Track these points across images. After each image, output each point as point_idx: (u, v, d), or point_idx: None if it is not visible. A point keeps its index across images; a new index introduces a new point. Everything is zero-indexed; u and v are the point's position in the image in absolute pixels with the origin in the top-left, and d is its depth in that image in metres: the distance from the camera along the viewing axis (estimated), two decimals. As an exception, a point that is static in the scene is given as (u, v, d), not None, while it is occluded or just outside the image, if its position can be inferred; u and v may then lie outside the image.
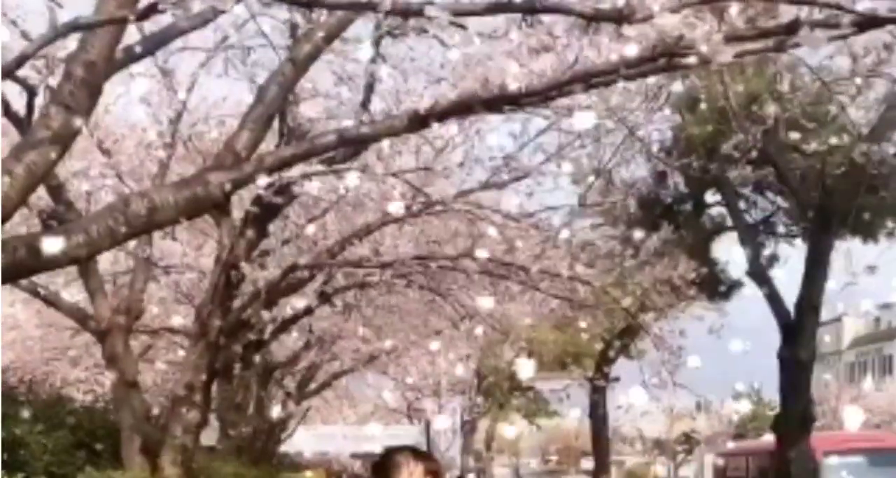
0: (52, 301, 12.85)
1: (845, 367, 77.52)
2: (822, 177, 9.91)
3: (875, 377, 75.38)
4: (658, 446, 76.06)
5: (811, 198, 10.35)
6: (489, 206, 13.17)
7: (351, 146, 7.03)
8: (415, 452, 4.43)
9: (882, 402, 53.23)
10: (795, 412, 9.56)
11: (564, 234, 13.79)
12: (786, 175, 10.56)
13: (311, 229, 13.36)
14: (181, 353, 14.50)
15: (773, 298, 10.03)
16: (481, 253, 11.43)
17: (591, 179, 14.15)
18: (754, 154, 10.59)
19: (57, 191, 10.80)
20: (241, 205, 11.83)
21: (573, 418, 35.36)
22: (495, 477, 44.38)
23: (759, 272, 10.49)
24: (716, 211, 13.04)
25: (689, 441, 73.30)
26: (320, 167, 9.17)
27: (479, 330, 17.20)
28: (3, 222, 5.41)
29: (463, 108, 6.14)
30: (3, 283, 5.81)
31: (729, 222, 13.67)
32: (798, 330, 9.70)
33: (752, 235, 12.07)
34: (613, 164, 14.06)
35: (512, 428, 57.70)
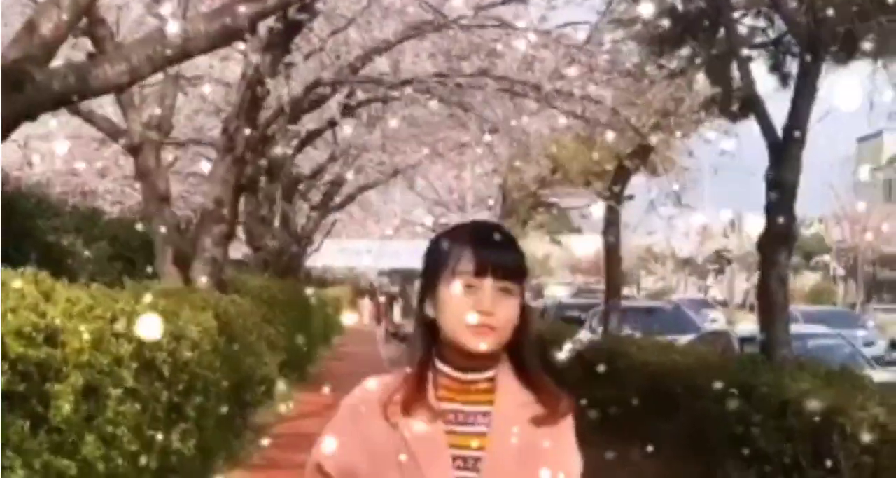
0: (87, 117, 13.08)
1: (884, 183, 76.42)
2: (812, 3, 9.97)
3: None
4: (688, 264, 76.53)
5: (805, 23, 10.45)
6: (509, 20, 13.24)
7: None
8: None
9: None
10: (779, 232, 9.83)
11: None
12: (780, 1, 10.61)
13: (335, 40, 13.45)
14: (207, 164, 14.80)
15: (763, 120, 10.18)
16: (497, 71, 11.56)
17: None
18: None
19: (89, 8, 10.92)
20: (265, 20, 11.93)
21: (597, 236, 35.56)
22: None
23: (751, 97, 10.62)
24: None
25: (719, 260, 73.45)
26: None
27: (501, 145, 17.45)
28: (55, 50, 5.95)
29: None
30: (56, 108, 6.48)
31: (754, 41, 13.66)
32: (784, 151, 9.90)
33: (750, 60, 12.11)
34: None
35: (537, 245, 58.19)
